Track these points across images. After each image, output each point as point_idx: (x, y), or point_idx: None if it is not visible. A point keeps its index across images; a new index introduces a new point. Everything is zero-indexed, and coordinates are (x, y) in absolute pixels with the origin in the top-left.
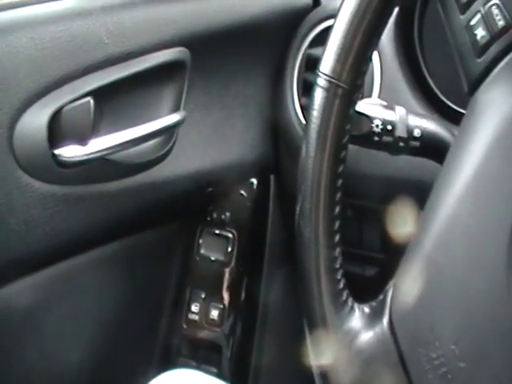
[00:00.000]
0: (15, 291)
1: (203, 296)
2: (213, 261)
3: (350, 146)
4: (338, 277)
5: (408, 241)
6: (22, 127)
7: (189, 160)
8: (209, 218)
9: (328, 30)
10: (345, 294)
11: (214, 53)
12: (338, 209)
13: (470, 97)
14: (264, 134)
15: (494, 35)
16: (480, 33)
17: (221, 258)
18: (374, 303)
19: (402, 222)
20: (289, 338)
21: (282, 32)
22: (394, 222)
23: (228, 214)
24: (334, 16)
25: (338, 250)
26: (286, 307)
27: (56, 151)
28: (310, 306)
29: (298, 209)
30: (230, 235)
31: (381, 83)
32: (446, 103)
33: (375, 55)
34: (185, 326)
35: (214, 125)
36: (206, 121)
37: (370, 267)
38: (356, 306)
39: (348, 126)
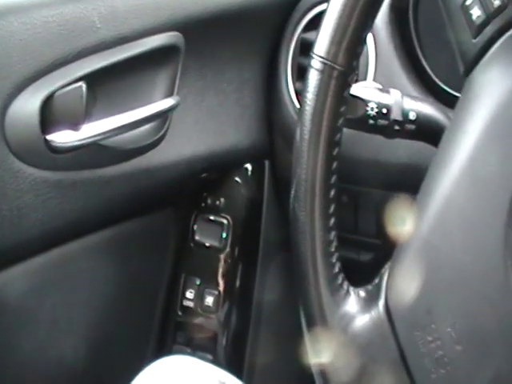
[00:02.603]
0: (8, 278)
1: (198, 282)
2: (207, 247)
3: (345, 131)
4: (334, 260)
5: (404, 225)
6: (14, 112)
7: (183, 145)
8: (203, 204)
9: (322, 13)
10: (340, 277)
11: (208, 37)
12: (333, 192)
13: (465, 78)
14: (259, 120)
15: (490, 15)
16: (475, 12)
17: (215, 244)
18: (369, 287)
19: (397, 207)
20: (284, 324)
21: (276, 17)
22: (389, 207)
23: (223, 199)
24: (327, 0)
25: (333, 234)
26: (281, 293)
27: (48, 137)
28: (306, 290)
29: (292, 192)
30: (225, 221)
31: (376, 66)
32: (440, 86)
33: (370, 38)
34: (180, 313)
35: (209, 110)
36: (201, 106)
37: (365, 253)
38: (351, 289)
39: (343, 108)
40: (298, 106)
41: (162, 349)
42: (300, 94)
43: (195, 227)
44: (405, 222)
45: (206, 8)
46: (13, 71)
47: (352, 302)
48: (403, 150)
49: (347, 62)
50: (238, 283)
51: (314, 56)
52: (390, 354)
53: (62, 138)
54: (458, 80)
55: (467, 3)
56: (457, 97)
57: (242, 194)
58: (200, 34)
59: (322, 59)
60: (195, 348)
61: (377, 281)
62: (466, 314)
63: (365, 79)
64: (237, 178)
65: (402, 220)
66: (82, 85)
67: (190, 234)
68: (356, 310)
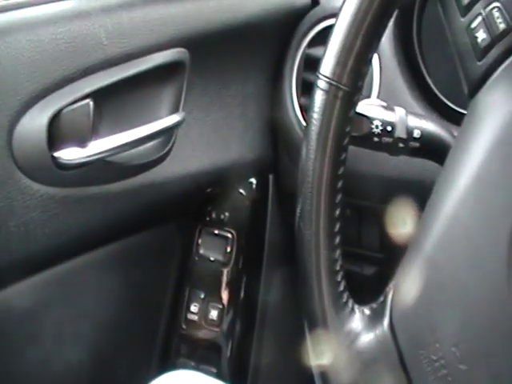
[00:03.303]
0: (15, 293)
1: (202, 296)
2: (212, 261)
3: (350, 146)
4: (339, 279)
5: (407, 241)
6: (22, 129)
7: (188, 160)
8: (208, 218)
9: (327, 29)
10: (345, 295)
11: (212, 53)
12: (338, 210)
13: (470, 99)
14: (263, 134)
15: (495, 38)
16: (481, 35)
17: (220, 258)
18: (374, 305)
19: (400, 221)
20: (288, 337)
21: (280, 32)
22: (392, 221)
23: (227, 213)
24: (333, 15)
25: (338, 252)
26: (284, 307)
27: (55, 153)
28: (311, 308)
29: (298, 211)
30: (229, 235)
31: (380, 83)
32: (445, 103)
33: (374, 55)
34: (184, 326)
35: (213, 125)
36: (205, 121)
37: (369, 266)
38: (356, 307)
39: (348, 128)
40: (302, 120)
41: (166, 362)
42: (304, 109)
43: (200, 241)
44: (408, 237)
45: (211, 23)
46: (20, 88)
47: (357, 319)
48: (407, 165)
49: (353, 83)
50: (242, 296)
51: (319, 76)
52: (394, 372)
53: (69, 154)
54: (462, 96)
55: (472, 26)
56: (461, 113)
57: (247, 208)
58: (205, 50)
59: (327, 79)
60: (199, 361)
61: (382, 299)
62: (470, 334)
63: (369, 96)
64: (241, 192)
65: (404, 235)
66: (89, 102)
67: (194, 247)
68: (361, 328)
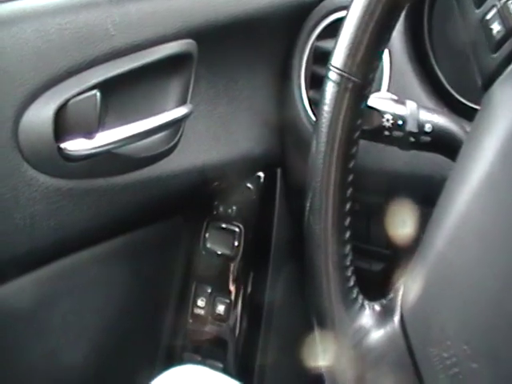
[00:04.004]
0: (21, 286)
1: (209, 290)
2: (219, 255)
3: (360, 141)
4: (349, 274)
5: (415, 236)
6: (28, 120)
7: (195, 154)
8: (215, 212)
9: (336, 22)
10: (355, 291)
11: (220, 45)
12: (348, 205)
13: (483, 92)
14: (271, 128)
15: (510, 30)
16: (495, 27)
17: (227, 252)
18: (384, 301)
19: (409, 217)
20: (294, 332)
21: (289, 24)
22: (401, 217)
23: (234, 207)
24: (342, 8)
25: (348, 247)
26: (291, 302)
27: (62, 145)
28: (320, 304)
29: (307, 205)
30: (237, 229)
31: (390, 77)
32: (455, 97)
33: None
34: (190, 321)
35: (221, 118)
36: (213, 114)
37: (377, 262)
38: (366, 303)
39: (359, 121)
40: (311, 114)
41: (172, 356)
42: (313, 103)
43: (207, 235)
44: (416, 232)
45: (220, 15)
46: (27, 79)
47: (367, 316)
48: (416, 160)
49: (364, 75)
50: (248, 291)
51: (330, 68)
52: (405, 370)
53: (76, 146)
54: (472, 90)
55: (487, 18)
56: (471, 108)
57: (254, 202)
58: (213, 42)
59: (338, 71)
60: (205, 356)
61: (392, 295)
62: (482, 331)
63: (379, 89)
64: (249, 186)
65: (413, 230)
66: (96, 93)
67: (201, 241)
68: (371, 325)
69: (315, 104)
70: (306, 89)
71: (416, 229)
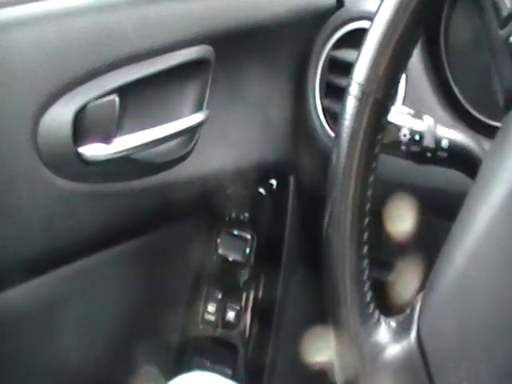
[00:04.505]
0: (36, 286)
1: (220, 296)
2: (230, 261)
3: None
4: (366, 289)
5: (428, 249)
6: (47, 123)
7: (210, 160)
8: (227, 219)
9: (352, 32)
10: (372, 306)
11: (237, 52)
12: (367, 219)
13: (505, 112)
14: (285, 135)
15: None
16: None
17: (238, 258)
18: (401, 317)
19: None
20: (305, 339)
21: (305, 32)
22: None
23: (247, 214)
24: (357, 18)
25: (366, 262)
26: (302, 308)
27: (80, 149)
28: (337, 317)
29: (326, 217)
30: (248, 236)
31: (405, 91)
32: (471, 113)
33: None
34: (201, 326)
35: (236, 124)
36: (228, 120)
37: (389, 273)
38: (382, 318)
39: (380, 135)
40: (325, 123)
41: (182, 361)
42: (327, 111)
43: (219, 241)
44: (430, 245)
45: (237, 22)
46: (47, 81)
47: (383, 331)
48: (433, 174)
49: (386, 90)
50: (259, 298)
51: (352, 82)
52: None
53: (94, 150)
54: (488, 107)
55: (511, 39)
56: (487, 124)
57: (267, 210)
58: (230, 48)
59: (360, 86)
60: (215, 361)
61: (408, 311)
62: (503, 351)
63: (394, 103)
64: (261, 193)
65: (427, 243)
66: (115, 98)
67: (213, 247)
68: (387, 340)
69: (330, 113)
70: (321, 98)
71: (429, 240)
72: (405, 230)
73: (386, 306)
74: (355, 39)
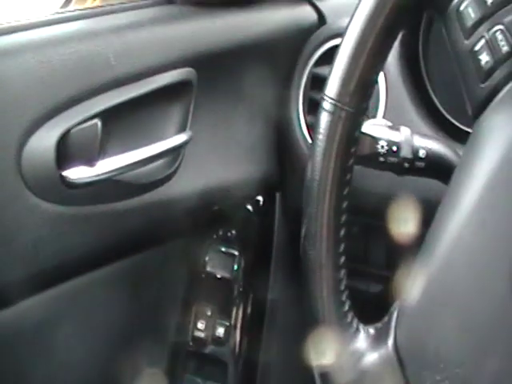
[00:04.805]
0: (24, 309)
1: (209, 313)
2: (219, 278)
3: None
4: (343, 298)
5: (412, 259)
6: (31, 149)
7: (195, 178)
8: (215, 236)
9: (334, 48)
10: (350, 315)
11: (220, 72)
12: (343, 231)
13: (474, 120)
14: (270, 152)
15: (498, 60)
16: (484, 58)
17: (227, 275)
18: (379, 325)
19: (405, 239)
20: (295, 355)
21: (287, 51)
22: (398, 239)
23: (234, 231)
24: (339, 35)
25: (343, 272)
26: (291, 323)
27: (64, 172)
28: (316, 328)
29: (303, 231)
30: (236, 253)
31: (386, 102)
32: (451, 122)
33: (380, 74)
34: (191, 343)
35: (221, 143)
36: (213, 140)
37: (375, 284)
38: (361, 327)
39: (353, 148)
40: (308, 139)
41: (174, 378)
42: (311, 128)
43: (207, 258)
44: (413, 255)
45: (218, 43)
46: (29, 108)
47: (361, 339)
48: (413, 183)
49: (357, 104)
50: (248, 314)
51: (324, 98)
52: None
53: (78, 173)
54: (468, 115)
55: (476, 49)
56: (467, 132)
57: (254, 226)
58: (212, 69)
59: (332, 101)
60: (206, 378)
61: (386, 319)
62: (475, 354)
63: (375, 115)
64: (248, 210)
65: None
66: (98, 122)
67: (201, 265)
68: (365, 348)
69: (313, 130)
70: (304, 114)
71: (413, 251)
72: (393, 242)
73: (374, 317)
74: (333, 58)
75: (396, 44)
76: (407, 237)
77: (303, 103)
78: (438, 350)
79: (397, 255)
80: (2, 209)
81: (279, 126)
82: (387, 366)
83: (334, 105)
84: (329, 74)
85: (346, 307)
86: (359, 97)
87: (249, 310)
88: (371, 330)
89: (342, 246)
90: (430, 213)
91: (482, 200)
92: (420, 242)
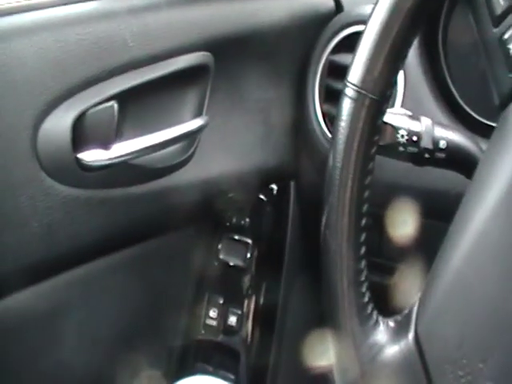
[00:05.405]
0: (36, 293)
1: (221, 301)
2: (231, 266)
3: None
4: (363, 290)
5: (428, 251)
6: (46, 130)
7: (210, 165)
8: (228, 224)
9: (351, 36)
10: (370, 307)
11: (236, 57)
12: (364, 221)
13: (500, 111)
14: (285, 140)
15: None
16: None
17: (239, 263)
18: (398, 317)
19: (421, 231)
20: (307, 344)
21: (304, 37)
22: (413, 231)
23: (248, 219)
24: (357, 22)
25: (363, 263)
26: (304, 314)
27: (79, 155)
28: (335, 319)
29: (324, 220)
30: (249, 241)
31: (404, 92)
32: (469, 114)
33: None
34: (203, 332)
35: (236, 130)
36: (228, 126)
37: (390, 276)
38: (381, 319)
39: (376, 137)
40: (324, 127)
41: (185, 366)
42: (327, 116)
43: (220, 246)
44: (430, 247)
45: (236, 28)
46: (46, 88)
47: (381, 332)
48: (431, 176)
49: (381, 91)
50: (261, 303)
51: (347, 84)
52: None
53: (93, 156)
54: (486, 107)
55: (505, 37)
56: (486, 124)
57: (267, 214)
58: (229, 54)
59: (355, 87)
60: (217, 366)
61: (406, 311)
62: (499, 350)
63: (393, 105)
64: (262, 198)
65: (426, 245)
66: (114, 104)
67: (214, 252)
68: (385, 341)
69: (329, 117)
70: (320, 102)
71: (429, 243)
72: (406, 234)
73: (388, 309)
74: (354, 43)
75: None
76: (419, 229)
77: (320, 91)
78: (461, 345)
79: (411, 247)
80: (17, 189)
81: (295, 114)
82: (408, 359)
83: (358, 91)
84: (352, 60)
85: (366, 298)
86: (383, 84)
87: (261, 299)
88: (391, 323)
89: (363, 236)
90: (447, 205)
91: (509, 192)
92: (432, 234)
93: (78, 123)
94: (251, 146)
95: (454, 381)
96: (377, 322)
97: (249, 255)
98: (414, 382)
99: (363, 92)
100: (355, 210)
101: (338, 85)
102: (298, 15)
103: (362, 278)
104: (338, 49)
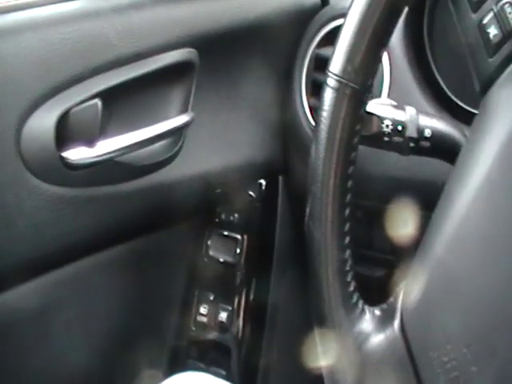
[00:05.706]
0: (24, 293)
1: (212, 298)
2: (221, 262)
3: (361, 147)
4: (349, 279)
5: (417, 242)
6: (30, 129)
7: (197, 161)
8: (217, 220)
9: (337, 29)
10: (355, 296)
11: (222, 53)
12: (348, 210)
13: (481, 96)
14: (273, 135)
15: (507, 34)
16: (492, 31)
17: (229, 259)
18: (384, 306)
19: (410, 222)
20: (298, 339)
21: (290, 32)
22: (402, 222)
23: (236, 215)
24: (342, 15)
25: (348, 252)
26: (294, 308)
27: (64, 153)
28: (320, 308)
29: (307, 210)
30: (239, 237)
31: (390, 82)
32: (455, 102)
33: (384, 54)
34: (193, 328)
35: (223, 126)
36: (215, 122)
37: (379, 268)
38: (366, 308)
39: (358, 126)
40: (312, 121)
41: (176, 364)
42: (314, 110)
43: (209, 242)
44: (418, 238)
45: (221, 24)
46: (29, 88)
47: (367, 320)
48: (417, 165)
49: (362, 81)
50: (251, 298)
51: (329, 74)
52: (405, 374)
53: (78, 154)
54: (472, 95)
55: (484, 22)
56: (471, 112)
57: (256, 210)
58: (214, 50)
59: (337, 77)
60: (209, 363)
61: (392, 300)
62: (482, 335)
63: (379, 95)
64: (251, 194)
65: (415, 236)
66: (98, 102)
67: (203, 249)
68: (371, 329)
69: (316, 111)
70: (307, 96)
71: (418, 234)
72: (396, 226)
73: (380, 301)
74: (337, 35)
75: (400, 23)
76: (410, 221)
77: (306, 84)
78: (445, 331)
79: (401, 238)
80: (1, 190)
81: (282, 109)
82: (393, 347)
83: (339, 81)
84: (333, 51)
85: (352, 288)
86: (364, 73)
87: (252, 294)
88: (377, 312)
89: (347, 226)
90: (434, 194)
91: (490, 177)
92: (422, 224)
93: (62, 122)
94: (239, 141)
95: (439, 367)
96: (363, 310)
97: (238, 251)
98: (400, 370)
99: (344, 81)
100: (338, 199)
101: (324, 78)
102: (284, 10)
103: (347, 268)
104: (324, 42)
